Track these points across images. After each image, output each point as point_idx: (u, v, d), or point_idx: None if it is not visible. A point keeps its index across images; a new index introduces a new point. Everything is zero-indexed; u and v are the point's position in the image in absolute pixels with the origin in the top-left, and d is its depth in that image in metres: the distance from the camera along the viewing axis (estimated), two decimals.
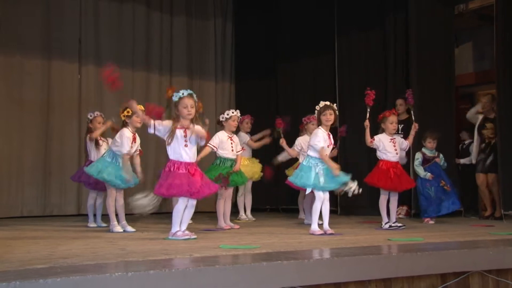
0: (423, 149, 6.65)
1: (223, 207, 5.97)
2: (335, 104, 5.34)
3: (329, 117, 5.13)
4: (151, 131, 4.58)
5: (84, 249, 3.88)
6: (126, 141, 5.44)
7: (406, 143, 5.98)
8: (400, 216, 7.23)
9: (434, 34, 7.54)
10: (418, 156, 6.62)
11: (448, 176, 6.67)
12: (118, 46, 8.75)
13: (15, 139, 7.90)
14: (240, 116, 6.19)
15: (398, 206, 6.82)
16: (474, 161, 7.41)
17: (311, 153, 5.18)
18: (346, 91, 8.27)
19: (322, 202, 5.06)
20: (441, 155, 6.67)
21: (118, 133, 5.54)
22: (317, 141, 5.10)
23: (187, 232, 4.62)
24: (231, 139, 5.93)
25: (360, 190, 5.08)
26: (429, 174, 6.52)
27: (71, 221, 6.95)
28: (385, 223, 5.77)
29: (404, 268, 3.46)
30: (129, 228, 5.48)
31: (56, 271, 2.71)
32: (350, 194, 5.09)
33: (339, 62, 8.43)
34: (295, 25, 9.09)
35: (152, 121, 4.53)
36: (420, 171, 6.58)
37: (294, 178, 5.24)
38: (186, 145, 4.55)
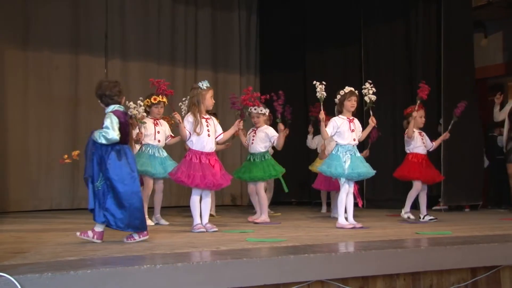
0: None
1: (266, 198, 5.88)
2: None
3: (354, 103, 5.12)
4: (188, 137, 4.67)
5: (112, 241, 3.92)
6: (149, 127, 5.53)
7: (430, 145, 5.89)
8: (440, 207, 7.19)
9: (457, 26, 7.37)
10: None
11: None
12: (144, 40, 8.82)
13: (44, 133, 8.04)
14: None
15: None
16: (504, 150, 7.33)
17: (338, 140, 5.12)
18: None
19: (347, 194, 5.04)
20: None
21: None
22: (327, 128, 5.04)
23: (208, 225, 4.64)
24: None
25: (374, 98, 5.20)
26: None
27: None
28: (405, 213, 5.72)
29: (433, 262, 3.42)
30: (163, 221, 5.52)
31: (86, 263, 2.75)
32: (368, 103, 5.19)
33: (365, 54, 8.34)
34: (320, 16, 9.01)
35: (186, 131, 4.64)
36: None
37: (326, 167, 5.09)
38: (209, 135, 4.65)
